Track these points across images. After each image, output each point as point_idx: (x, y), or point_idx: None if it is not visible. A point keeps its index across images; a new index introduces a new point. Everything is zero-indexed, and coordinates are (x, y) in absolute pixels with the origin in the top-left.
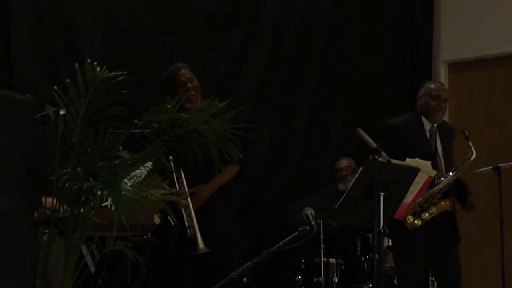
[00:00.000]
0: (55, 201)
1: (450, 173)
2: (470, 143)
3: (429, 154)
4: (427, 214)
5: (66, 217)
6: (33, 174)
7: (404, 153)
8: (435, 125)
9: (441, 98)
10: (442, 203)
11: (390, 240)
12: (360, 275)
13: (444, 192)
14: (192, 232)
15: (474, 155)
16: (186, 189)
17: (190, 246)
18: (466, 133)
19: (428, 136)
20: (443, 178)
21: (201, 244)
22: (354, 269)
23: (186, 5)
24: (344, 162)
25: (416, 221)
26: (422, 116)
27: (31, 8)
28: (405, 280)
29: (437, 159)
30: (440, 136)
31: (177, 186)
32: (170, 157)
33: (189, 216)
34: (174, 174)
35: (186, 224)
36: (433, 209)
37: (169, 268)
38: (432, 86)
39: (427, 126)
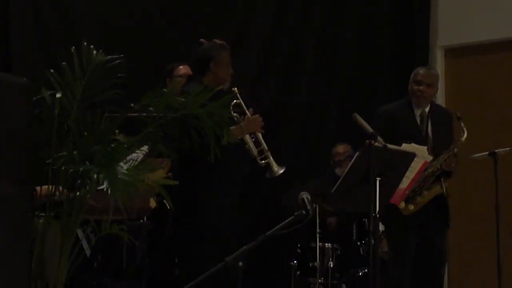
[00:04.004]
0: (51, 187)
1: (441, 156)
2: (462, 124)
3: (420, 139)
4: (420, 198)
5: (62, 201)
6: (30, 158)
7: (396, 138)
8: (426, 110)
9: (423, 83)
10: (434, 187)
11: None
12: (356, 259)
13: (436, 176)
14: (264, 158)
15: (465, 135)
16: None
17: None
18: (458, 115)
19: (418, 121)
20: (434, 162)
21: (275, 167)
22: (349, 254)
23: None
24: (341, 148)
25: (409, 206)
26: (412, 102)
27: None
28: (396, 265)
29: (428, 144)
30: (432, 121)
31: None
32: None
33: (258, 141)
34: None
35: (255, 154)
36: (425, 193)
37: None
38: (418, 71)
39: (418, 111)
